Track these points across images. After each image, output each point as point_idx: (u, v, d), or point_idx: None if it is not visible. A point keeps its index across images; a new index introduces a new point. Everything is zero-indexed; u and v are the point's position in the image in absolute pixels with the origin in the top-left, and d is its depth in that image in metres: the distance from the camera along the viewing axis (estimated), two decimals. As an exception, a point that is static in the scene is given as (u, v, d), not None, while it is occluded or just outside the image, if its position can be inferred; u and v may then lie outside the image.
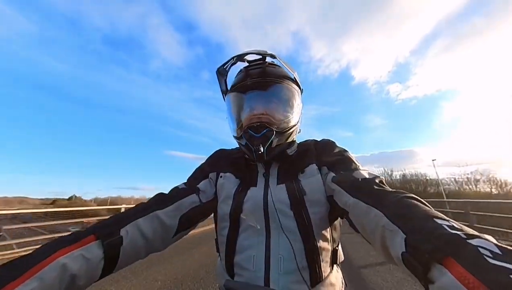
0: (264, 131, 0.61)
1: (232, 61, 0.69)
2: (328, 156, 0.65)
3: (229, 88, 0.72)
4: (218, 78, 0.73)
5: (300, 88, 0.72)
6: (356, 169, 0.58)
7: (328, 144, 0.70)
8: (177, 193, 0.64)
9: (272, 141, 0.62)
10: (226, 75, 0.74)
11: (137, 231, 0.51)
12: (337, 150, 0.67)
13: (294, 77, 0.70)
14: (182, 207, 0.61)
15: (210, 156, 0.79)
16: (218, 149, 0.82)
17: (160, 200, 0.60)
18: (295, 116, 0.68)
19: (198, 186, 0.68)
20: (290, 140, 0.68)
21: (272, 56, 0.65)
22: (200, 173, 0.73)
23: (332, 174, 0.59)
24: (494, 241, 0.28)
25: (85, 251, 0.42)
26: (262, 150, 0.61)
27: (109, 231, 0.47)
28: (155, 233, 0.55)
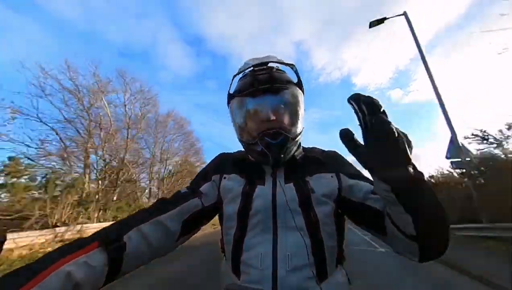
0: (281, 138, 0.62)
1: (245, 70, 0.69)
2: (340, 165, 0.68)
3: (232, 92, 0.71)
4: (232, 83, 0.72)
5: (303, 91, 0.72)
6: (369, 180, 0.61)
7: (337, 155, 0.73)
8: (179, 198, 0.64)
9: (287, 148, 0.63)
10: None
11: (140, 236, 0.52)
12: (347, 161, 0.71)
13: (298, 81, 0.70)
14: (185, 211, 0.61)
15: (213, 160, 0.79)
16: (220, 153, 0.82)
17: (163, 205, 0.61)
18: (301, 122, 0.69)
19: (200, 189, 0.68)
20: (298, 143, 0.70)
21: (293, 66, 0.68)
22: (203, 177, 0.73)
23: (348, 179, 0.63)
24: None
25: (89, 258, 0.42)
26: (281, 157, 0.63)
27: (112, 238, 0.48)
28: (158, 238, 0.55)
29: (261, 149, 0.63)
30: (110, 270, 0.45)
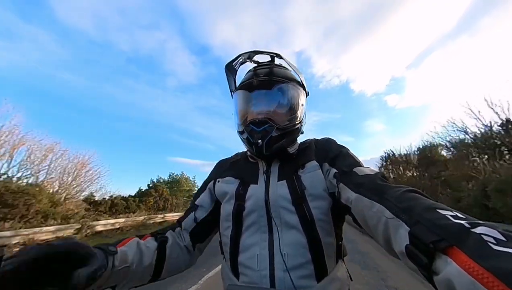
0: (265, 126, 0.62)
1: (240, 59, 0.71)
2: (328, 152, 0.65)
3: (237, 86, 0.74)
4: (227, 74, 0.74)
5: (305, 90, 0.72)
6: (357, 165, 0.58)
7: (328, 142, 0.71)
8: (185, 213, 0.74)
9: (271, 136, 0.62)
10: (235, 74, 0.75)
11: (173, 236, 0.66)
12: (337, 147, 0.67)
13: (300, 80, 0.70)
14: (186, 226, 0.70)
15: (212, 169, 0.81)
16: (219, 160, 0.83)
17: (177, 221, 0.73)
18: (298, 116, 0.68)
19: (196, 202, 0.73)
20: (291, 138, 0.68)
21: (279, 56, 0.68)
22: (201, 188, 0.77)
23: (334, 170, 0.59)
24: (499, 228, 0.28)
25: (147, 242, 0.60)
26: (260, 143, 0.61)
27: (158, 232, 0.66)
28: (181, 246, 0.68)
29: (246, 137, 0.65)
30: (158, 256, 0.59)
